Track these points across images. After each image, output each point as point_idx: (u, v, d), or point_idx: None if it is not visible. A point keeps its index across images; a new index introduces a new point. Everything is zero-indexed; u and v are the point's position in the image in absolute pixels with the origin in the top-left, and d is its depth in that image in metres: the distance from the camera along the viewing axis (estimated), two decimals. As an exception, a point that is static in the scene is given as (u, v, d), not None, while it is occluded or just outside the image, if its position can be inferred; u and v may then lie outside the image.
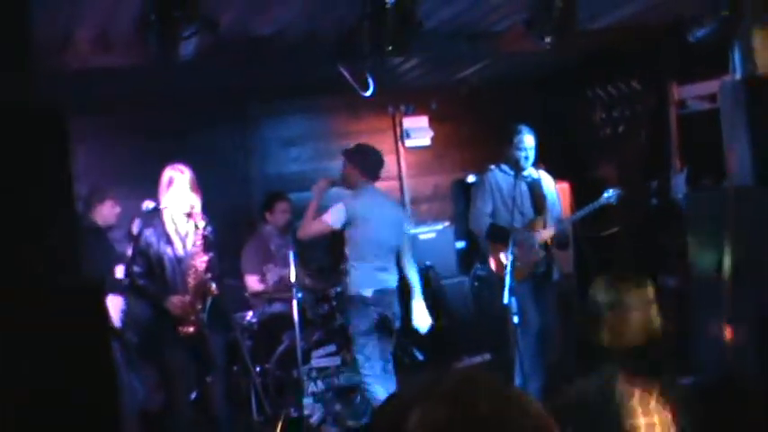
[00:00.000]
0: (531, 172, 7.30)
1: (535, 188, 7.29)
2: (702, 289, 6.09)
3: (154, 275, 6.17)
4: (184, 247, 6.26)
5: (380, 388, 6.78)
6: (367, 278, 6.86)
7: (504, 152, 7.27)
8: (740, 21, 5.61)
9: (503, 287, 6.35)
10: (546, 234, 7.21)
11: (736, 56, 5.96)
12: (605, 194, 7.15)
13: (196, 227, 6.17)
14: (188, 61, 5.14)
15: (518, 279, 6.69)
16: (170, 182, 6.22)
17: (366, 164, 7.09)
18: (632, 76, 8.17)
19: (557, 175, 8.07)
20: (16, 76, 3.35)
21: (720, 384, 5.01)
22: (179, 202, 6.20)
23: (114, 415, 3.06)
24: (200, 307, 6.19)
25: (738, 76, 5.92)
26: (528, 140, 7.15)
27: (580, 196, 8.51)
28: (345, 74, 6.77)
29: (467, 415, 1.28)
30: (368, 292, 6.85)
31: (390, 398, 1.46)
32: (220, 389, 6.50)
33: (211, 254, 6.23)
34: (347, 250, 6.87)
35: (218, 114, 8.71)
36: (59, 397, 2.79)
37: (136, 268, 6.18)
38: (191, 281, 6.16)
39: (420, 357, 8.14)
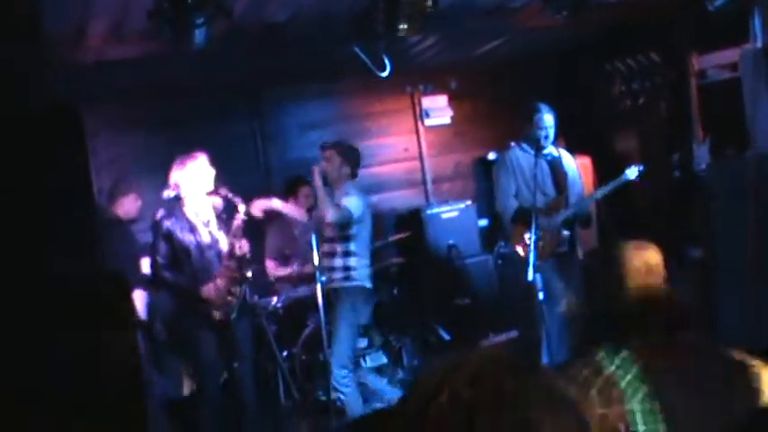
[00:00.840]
0: (551, 150, 7.24)
1: (556, 166, 7.23)
2: (726, 258, 6.07)
3: (180, 265, 6.21)
4: (211, 233, 6.32)
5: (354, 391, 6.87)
6: (368, 272, 6.90)
7: (523, 130, 7.22)
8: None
9: (527, 265, 6.34)
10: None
11: (756, 24, 5.90)
12: (627, 171, 7.08)
13: (236, 210, 6.26)
14: (202, 49, 5.14)
15: (542, 258, 6.68)
16: (183, 166, 6.28)
17: (355, 160, 7.07)
18: (651, 47, 8.11)
19: (578, 150, 8.03)
20: (29, 72, 3.36)
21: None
22: (200, 186, 6.26)
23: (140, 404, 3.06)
24: (235, 290, 6.28)
25: (759, 44, 5.86)
26: (547, 119, 7.09)
27: (602, 170, 8.47)
28: (361, 55, 6.75)
29: (491, 395, 1.28)
30: (369, 284, 6.88)
31: (417, 381, 1.46)
32: (248, 375, 6.54)
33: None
34: (351, 246, 6.77)
35: (235, 101, 8.71)
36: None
37: (159, 259, 6.20)
38: (229, 265, 6.25)
39: (446, 336, 8.15)
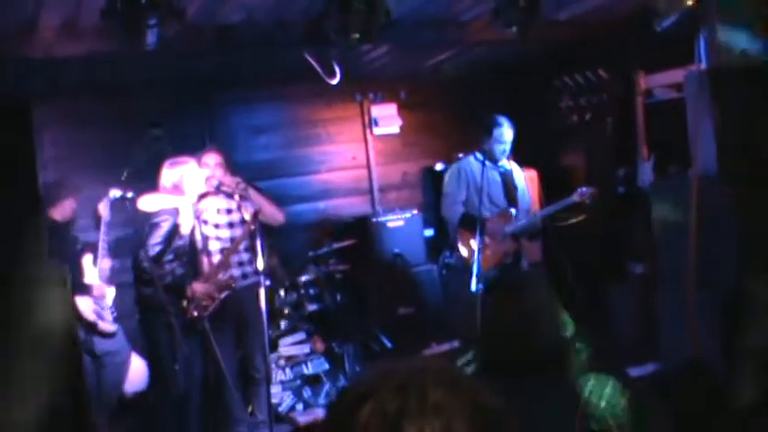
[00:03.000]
0: (504, 162, 7.32)
1: (507, 179, 7.33)
2: (668, 276, 6.16)
3: (163, 261, 6.41)
4: (204, 235, 6.75)
5: None
6: None
7: (480, 141, 7.26)
8: (705, 10, 5.64)
9: (470, 275, 6.40)
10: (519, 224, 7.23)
11: (702, 46, 6.00)
12: (579, 191, 7.17)
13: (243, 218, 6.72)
14: (155, 49, 5.11)
15: (486, 268, 6.74)
16: (174, 169, 6.57)
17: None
18: (599, 64, 8.18)
19: (525, 163, 8.09)
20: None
21: (684, 371, 5.07)
22: (192, 189, 6.57)
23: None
24: (217, 295, 6.52)
25: (703, 65, 5.96)
26: (507, 134, 7.18)
27: (548, 184, 8.55)
28: (312, 61, 6.76)
29: (417, 405, 1.29)
30: None
31: (345, 389, 1.47)
32: (198, 376, 6.66)
33: None
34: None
35: (185, 102, 8.63)
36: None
37: (143, 254, 6.25)
38: (219, 269, 6.61)
39: (389, 345, 8.18)
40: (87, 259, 6.94)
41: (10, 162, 2.92)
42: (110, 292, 6.92)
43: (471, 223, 6.97)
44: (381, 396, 1.31)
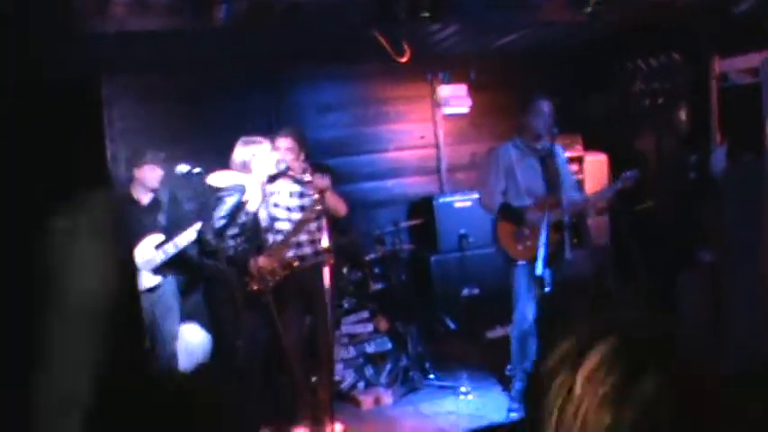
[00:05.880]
0: (544, 143, 7.03)
1: (548, 162, 6.99)
2: (737, 263, 6.05)
3: (234, 236, 6.47)
4: (270, 214, 6.79)
5: None
6: None
7: (520, 125, 7.07)
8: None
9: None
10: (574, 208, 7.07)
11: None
12: (623, 176, 6.99)
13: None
14: (223, 25, 5.13)
15: (525, 259, 6.65)
16: (246, 148, 6.63)
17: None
18: (673, 47, 8.05)
19: (595, 147, 7.95)
20: (58, 43, 3.34)
21: (756, 365, 4.98)
22: (262, 169, 6.63)
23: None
24: (280, 272, 6.53)
25: (781, 50, 5.84)
26: (547, 106, 6.91)
27: (619, 169, 8.42)
28: (380, 39, 6.73)
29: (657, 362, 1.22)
30: None
31: (554, 344, 1.36)
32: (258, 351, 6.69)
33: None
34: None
35: (253, 79, 8.65)
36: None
37: (210, 228, 6.35)
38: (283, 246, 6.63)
39: (452, 326, 8.17)
40: (149, 241, 6.89)
41: (77, 131, 2.91)
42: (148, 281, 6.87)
43: (511, 214, 6.84)
44: (606, 349, 1.24)
